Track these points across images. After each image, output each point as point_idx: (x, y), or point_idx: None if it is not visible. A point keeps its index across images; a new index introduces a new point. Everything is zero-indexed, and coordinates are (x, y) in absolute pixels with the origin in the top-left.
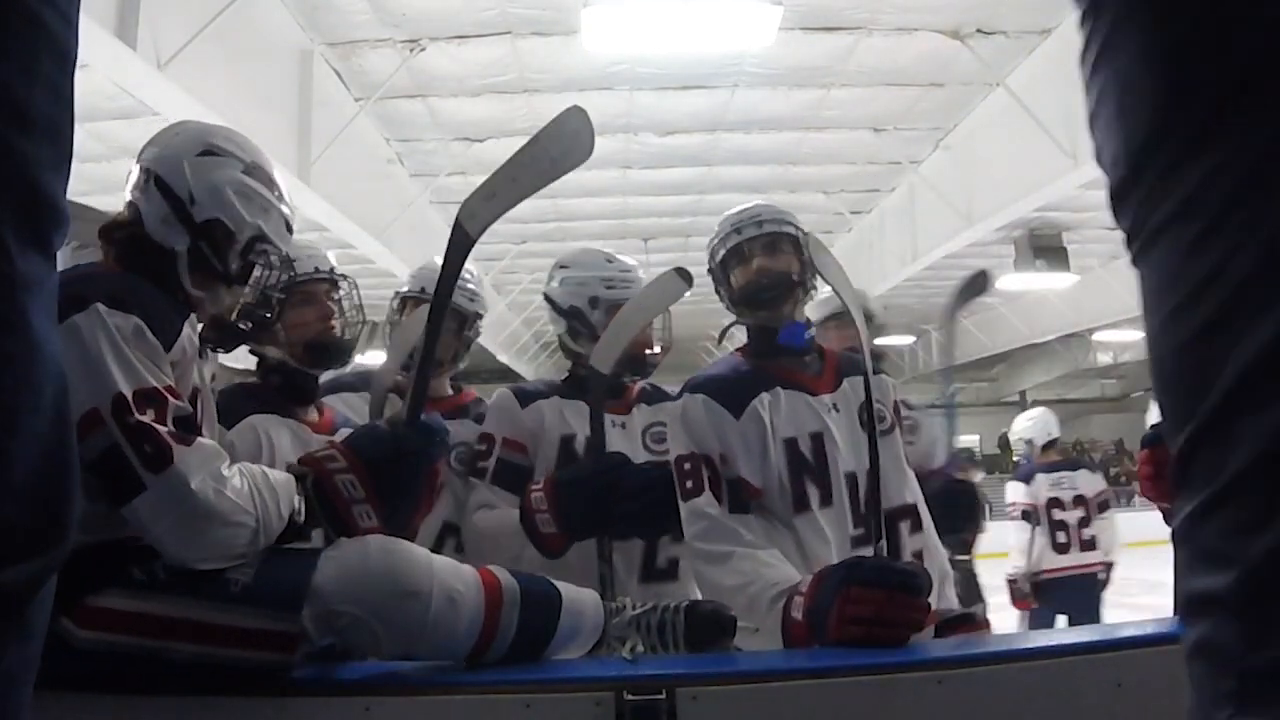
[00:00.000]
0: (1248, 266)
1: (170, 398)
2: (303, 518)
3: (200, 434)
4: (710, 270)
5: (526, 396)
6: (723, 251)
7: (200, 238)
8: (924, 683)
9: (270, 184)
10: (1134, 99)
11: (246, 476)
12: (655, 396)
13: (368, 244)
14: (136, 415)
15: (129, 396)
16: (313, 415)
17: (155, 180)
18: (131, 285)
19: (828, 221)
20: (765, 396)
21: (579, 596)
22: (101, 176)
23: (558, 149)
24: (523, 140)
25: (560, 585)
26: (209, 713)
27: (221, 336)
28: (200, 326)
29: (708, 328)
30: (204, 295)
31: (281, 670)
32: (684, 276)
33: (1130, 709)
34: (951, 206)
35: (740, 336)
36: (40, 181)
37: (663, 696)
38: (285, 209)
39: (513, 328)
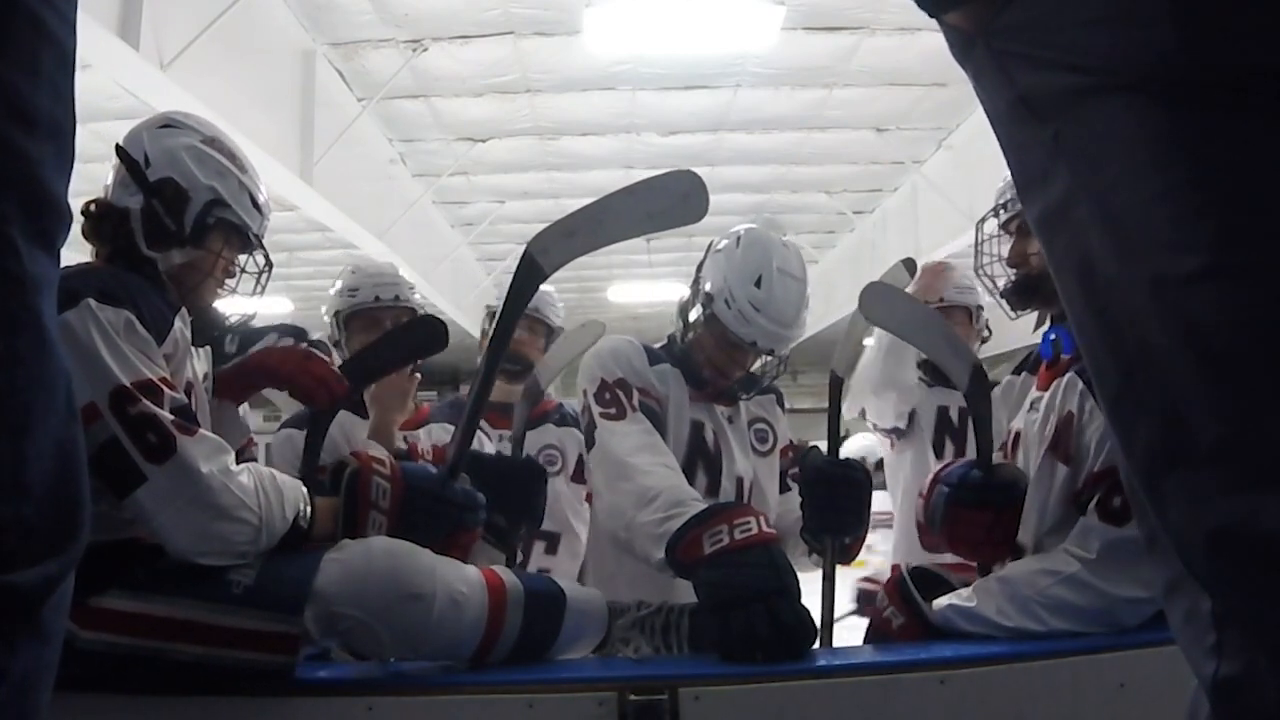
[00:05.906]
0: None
1: (166, 389)
2: (308, 523)
3: (199, 425)
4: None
5: (653, 355)
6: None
7: (153, 196)
8: (925, 683)
9: (230, 156)
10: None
11: (253, 475)
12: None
13: (370, 244)
14: (138, 406)
15: (129, 387)
16: None
17: (117, 150)
18: (122, 280)
19: (830, 221)
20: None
21: (584, 597)
22: (103, 176)
23: (658, 205)
24: (525, 140)
25: (565, 585)
26: (210, 710)
27: (203, 325)
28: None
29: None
30: (157, 256)
31: (283, 672)
32: (909, 268)
33: (1132, 709)
34: (954, 206)
35: None
36: (45, 181)
37: (665, 697)
38: (249, 181)
39: None
